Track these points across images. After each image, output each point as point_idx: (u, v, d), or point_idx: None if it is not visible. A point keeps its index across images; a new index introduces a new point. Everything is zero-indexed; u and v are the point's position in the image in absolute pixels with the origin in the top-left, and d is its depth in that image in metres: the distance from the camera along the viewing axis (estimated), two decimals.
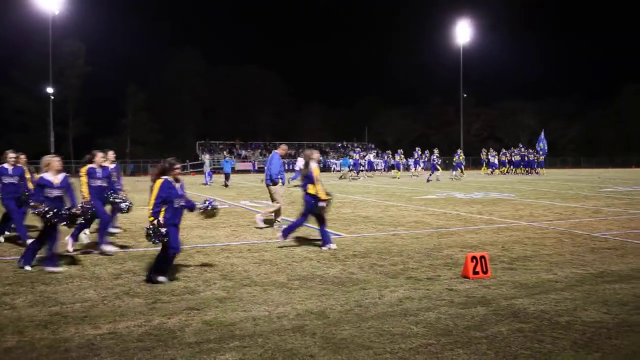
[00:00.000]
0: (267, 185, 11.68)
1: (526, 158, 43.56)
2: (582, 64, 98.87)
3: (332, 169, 60.43)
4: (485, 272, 6.83)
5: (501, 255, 8.22)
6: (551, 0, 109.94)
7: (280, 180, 11.57)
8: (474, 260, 6.82)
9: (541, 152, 44.06)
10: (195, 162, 62.26)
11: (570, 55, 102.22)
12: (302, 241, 9.72)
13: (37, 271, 7.31)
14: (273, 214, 11.71)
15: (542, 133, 45.93)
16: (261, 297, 5.98)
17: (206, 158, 35.01)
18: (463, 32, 64.19)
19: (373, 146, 74.76)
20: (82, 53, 65.72)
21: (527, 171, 42.87)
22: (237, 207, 16.37)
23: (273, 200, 11.67)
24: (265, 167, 11.97)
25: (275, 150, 11.88)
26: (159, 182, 6.44)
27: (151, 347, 4.45)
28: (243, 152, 67.02)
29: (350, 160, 41.57)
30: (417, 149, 41.99)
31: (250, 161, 62.91)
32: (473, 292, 6.11)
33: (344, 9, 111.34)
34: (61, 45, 59.80)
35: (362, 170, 40.32)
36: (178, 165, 6.70)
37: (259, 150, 68.52)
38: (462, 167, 36.36)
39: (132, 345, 4.48)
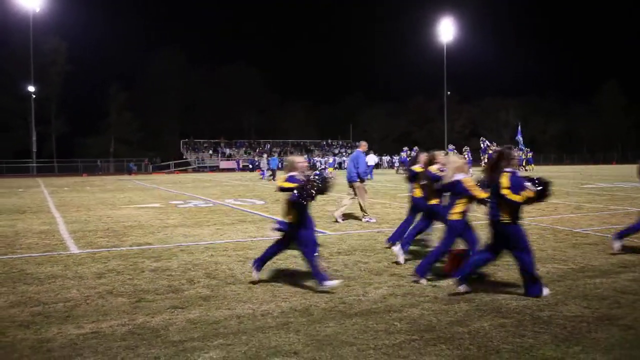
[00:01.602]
0: (352, 182, 12.05)
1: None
2: (563, 61, 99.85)
3: (317, 166, 60.48)
4: None
5: None
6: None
7: (368, 177, 11.79)
8: (457, 256, 6.87)
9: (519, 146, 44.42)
10: (179, 161, 61.97)
11: (552, 52, 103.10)
12: None
13: (18, 271, 7.25)
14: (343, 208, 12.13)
15: (519, 127, 46.25)
16: (245, 295, 5.97)
17: (264, 157, 39.24)
18: (446, 30, 64.55)
19: (357, 143, 74.96)
20: (63, 51, 65.09)
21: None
22: (222, 205, 16.33)
23: (358, 195, 12.05)
24: (349, 165, 12.35)
25: (358, 149, 12.43)
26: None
27: (135, 346, 4.44)
28: (227, 151, 66.85)
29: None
30: (449, 146, 41.90)
31: (234, 160, 62.74)
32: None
33: (329, 7, 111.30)
34: (42, 42, 59.22)
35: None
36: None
37: (244, 149, 68.36)
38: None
39: (116, 345, 4.47)
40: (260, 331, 4.76)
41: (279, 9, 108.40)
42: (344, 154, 42.01)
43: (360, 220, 12.15)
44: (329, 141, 74.34)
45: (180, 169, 58.92)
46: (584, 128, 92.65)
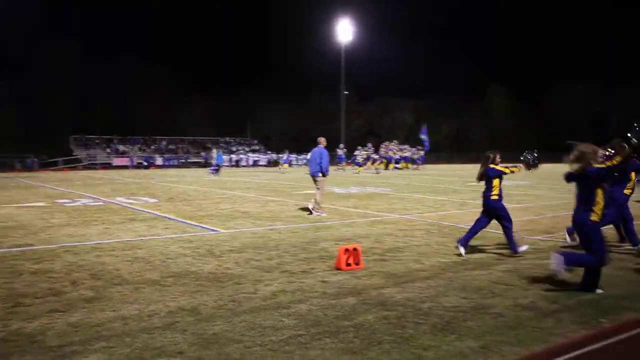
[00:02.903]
0: (316, 176, 12.81)
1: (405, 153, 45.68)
2: (457, 63, 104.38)
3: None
4: (357, 264, 7.08)
5: (374, 247, 8.54)
6: (429, 3, 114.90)
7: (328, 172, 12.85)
8: (347, 252, 7.05)
9: (425, 146, 46.38)
10: (68, 158, 58.98)
11: (445, 55, 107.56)
12: (178, 238, 9.54)
13: None
14: (314, 201, 12.79)
15: (425, 127, 48.26)
16: (132, 295, 5.81)
17: (214, 152, 40.22)
18: (345, 29, 65.66)
19: (256, 141, 74.71)
20: None
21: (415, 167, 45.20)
22: (112, 203, 15.73)
23: (319, 188, 12.80)
24: (312, 161, 12.97)
25: (320, 145, 13.04)
26: None
27: (7, 353, 4.20)
28: (121, 147, 64.43)
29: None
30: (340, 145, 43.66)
31: (128, 156, 60.61)
32: (345, 283, 6.31)
33: (227, 2, 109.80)
34: None
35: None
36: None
37: (138, 146, 66.19)
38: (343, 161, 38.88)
39: None
40: (146, 332, 4.66)
41: (175, 2, 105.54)
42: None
43: (311, 212, 12.67)
44: (227, 139, 73.54)
45: (69, 166, 56.06)
46: (474, 128, 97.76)
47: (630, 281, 6.39)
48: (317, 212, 12.65)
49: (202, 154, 64.44)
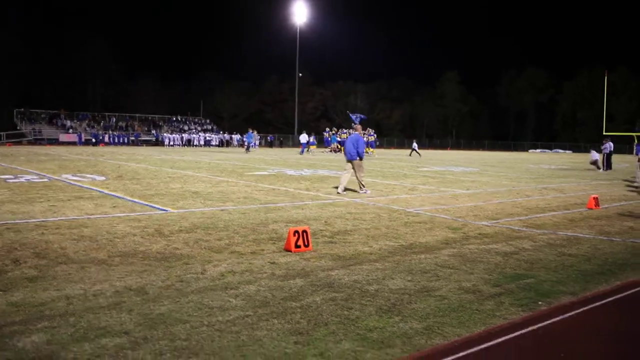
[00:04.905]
0: (352, 160, 13.84)
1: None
2: (411, 49, 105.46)
3: (166, 143, 58.76)
4: (306, 246, 7.13)
5: (324, 230, 8.61)
6: None
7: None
8: (296, 234, 7.09)
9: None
10: (11, 132, 57.02)
11: (401, 41, 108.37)
12: (126, 217, 9.39)
13: None
14: (352, 183, 14.22)
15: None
16: (77, 275, 5.71)
17: (250, 132, 45.37)
18: (300, 11, 65.24)
19: (209, 121, 73.78)
20: None
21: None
22: (58, 180, 15.33)
23: (356, 171, 13.89)
24: (349, 145, 13.93)
25: (356, 132, 14.55)
26: None
27: None
28: (68, 123, 62.59)
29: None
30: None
31: (76, 133, 58.98)
32: (294, 264, 6.36)
33: None
34: None
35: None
36: None
37: (87, 121, 64.45)
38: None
39: None
40: (90, 312, 4.59)
41: None
42: (194, 130, 42.55)
43: (358, 192, 13.87)
44: (179, 117, 72.40)
45: (13, 140, 54.24)
46: (425, 114, 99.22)
47: (566, 266, 6.66)
48: (362, 190, 13.87)
49: (153, 132, 63.36)
